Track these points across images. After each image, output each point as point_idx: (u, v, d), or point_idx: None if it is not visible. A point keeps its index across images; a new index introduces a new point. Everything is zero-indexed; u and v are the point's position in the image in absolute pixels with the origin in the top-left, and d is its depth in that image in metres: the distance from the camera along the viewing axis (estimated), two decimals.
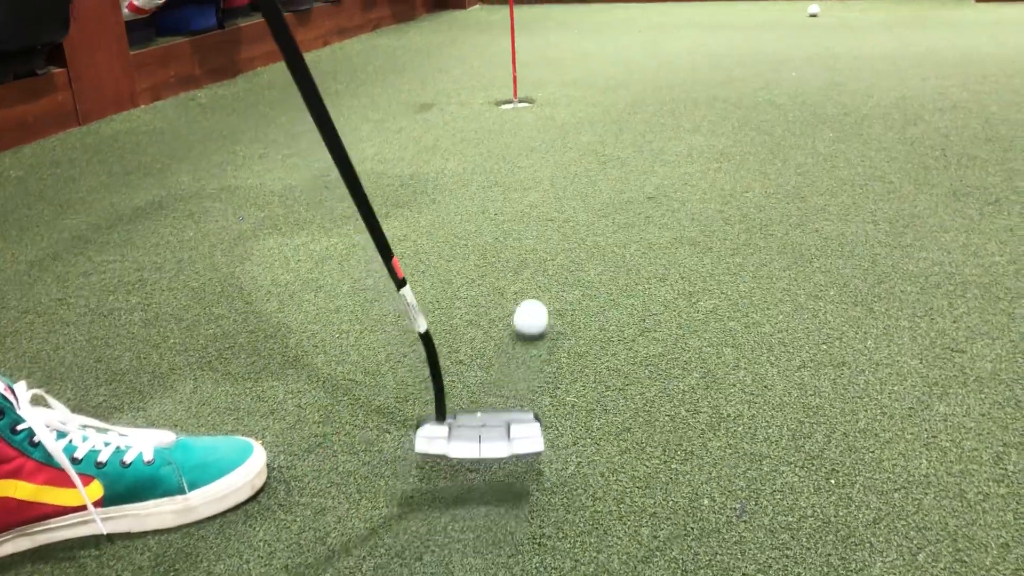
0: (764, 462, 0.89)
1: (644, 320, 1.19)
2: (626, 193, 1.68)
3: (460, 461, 0.91)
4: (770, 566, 0.75)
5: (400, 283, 0.86)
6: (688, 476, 0.87)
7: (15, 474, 0.78)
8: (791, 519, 0.81)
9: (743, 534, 0.79)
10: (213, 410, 1.02)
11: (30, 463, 0.78)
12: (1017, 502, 0.81)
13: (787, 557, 0.76)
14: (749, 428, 0.95)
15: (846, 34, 3.25)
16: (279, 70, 3.12)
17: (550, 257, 1.41)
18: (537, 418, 0.88)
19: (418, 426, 0.88)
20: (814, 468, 0.88)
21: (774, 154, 1.87)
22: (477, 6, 4.60)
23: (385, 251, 0.84)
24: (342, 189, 1.78)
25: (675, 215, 1.56)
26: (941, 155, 1.81)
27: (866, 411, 0.97)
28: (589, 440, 0.94)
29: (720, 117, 2.18)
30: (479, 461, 0.90)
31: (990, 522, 0.79)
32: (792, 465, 0.88)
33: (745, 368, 1.06)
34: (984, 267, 1.30)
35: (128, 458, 0.82)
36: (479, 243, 1.48)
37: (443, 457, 0.90)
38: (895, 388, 1.01)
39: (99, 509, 0.81)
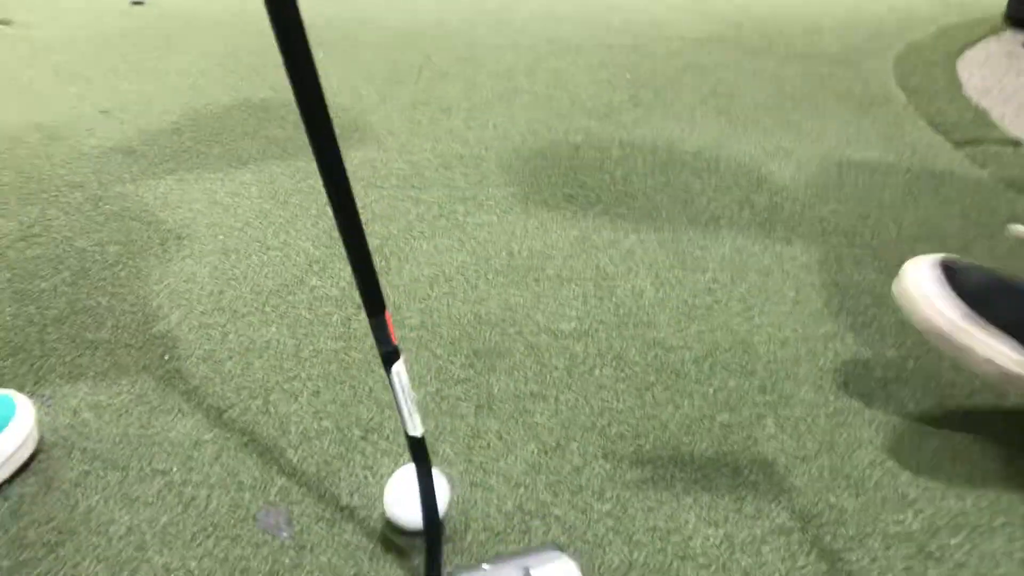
0: (99, 348, 0.82)
1: (29, 228, 1.07)
2: (77, 109, 1.53)
3: None
4: None
5: (391, 354, 0.55)
6: None
7: None
8: None
9: None
10: None
11: None
12: None
13: None
14: None
15: None
16: None
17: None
18: (561, 549, 0.62)
19: None
20: None
21: (255, 71, 1.82)
22: None
23: (375, 301, 0.53)
24: None
25: (122, 127, 1.44)
26: (416, 72, 1.87)
27: (235, 290, 0.94)
28: None
29: (215, 41, 2.08)
30: None
31: None
32: (129, 347, 0.83)
33: (125, 263, 0.99)
34: (412, 162, 1.35)
35: None
36: None
37: None
38: (275, 269, 0.99)
39: None
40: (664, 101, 1.71)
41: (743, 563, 0.62)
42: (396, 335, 0.58)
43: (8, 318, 0.87)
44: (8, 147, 1.33)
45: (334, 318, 0.89)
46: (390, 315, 0.59)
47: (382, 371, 0.80)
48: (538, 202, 1.22)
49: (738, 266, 1.03)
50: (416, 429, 0.58)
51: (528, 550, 0.62)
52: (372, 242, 1.07)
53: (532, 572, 0.58)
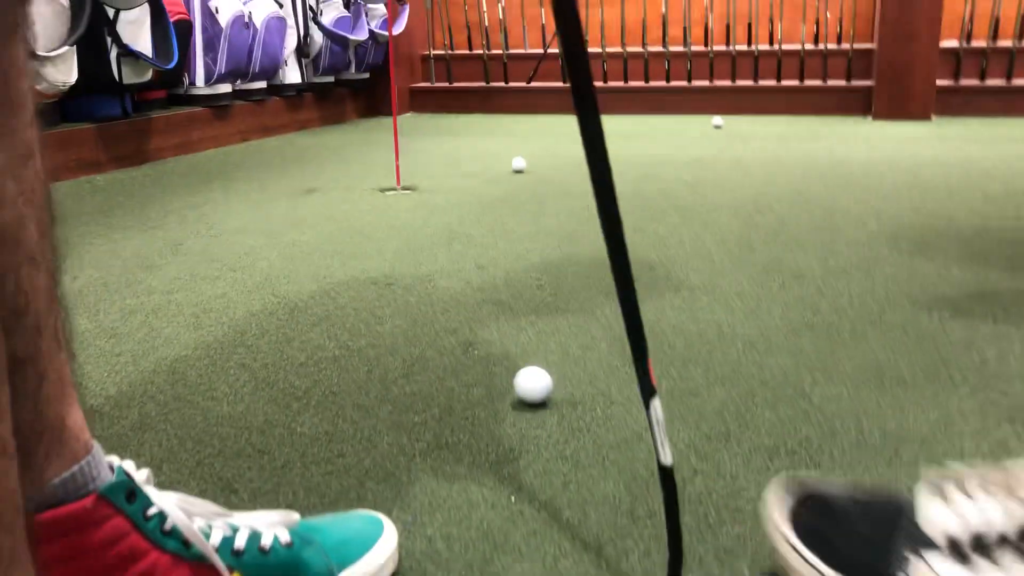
0: (457, 483, 0.90)
1: (410, 367, 1.22)
2: (459, 263, 1.73)
3: None
4: None
5: (650, 391, 0.71)
6: None
7: (150, 572, 0.62)
8: None
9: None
10: None
11: (165, 557, 0.63)
12: None
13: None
14: None
15: (738, 143, 3.40)
16: (187, 161, 3.20)
17: (354, 312, 1.44)
18: None
19: None
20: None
21: None
22: (408, 114, 4.77)
23: (640, 347, 0.71)
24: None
25: (494, 281, 1.61)
26: (772, 238, 1.88)
27: (578, 441, 0.99)
28: None
29: (582, 206, 2.26)
30: None
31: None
32: (482, 485, 0.90)
33: (486, 405, 1.09)
34: (759, 327, 1.34)
35: (265, 542, 0.69)
36: (294, 300, 1.51)
37: None
38: (616, 423, 1.03)
39: None
40: None
41: None
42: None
43: (385, 446, 0.99)
44: (402, 294, 1.53)
45: None
46: (651, 361, 0.72)
47: (718, 558, 0.79)
48: (894, 378, 1.14)
49: None
50: (666, 458, 0.71)
51: None
52: (712, 404, 1.07)
53: None
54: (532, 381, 1.07)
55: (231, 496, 0.89)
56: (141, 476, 0.65)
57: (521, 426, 1.03)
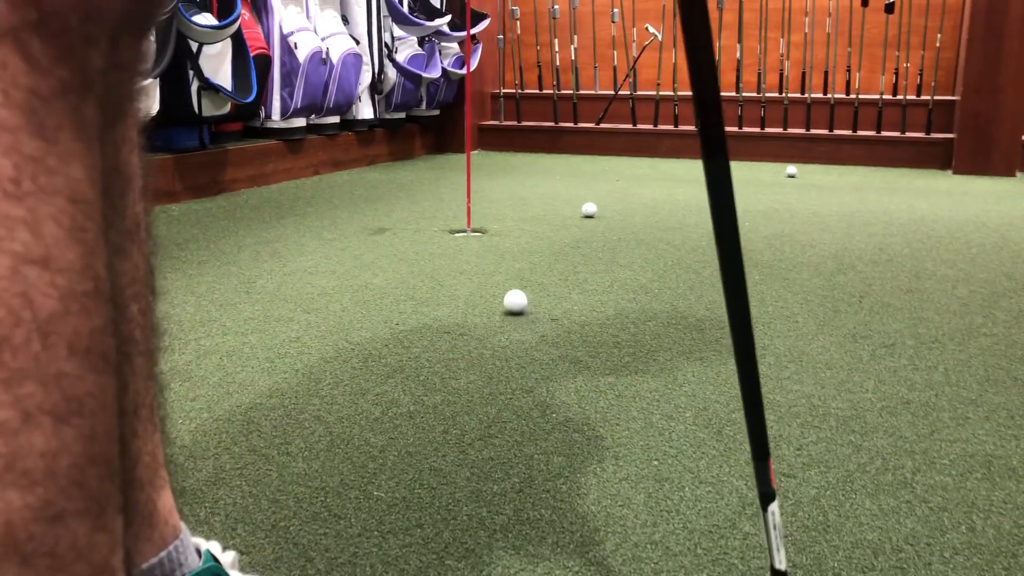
0: (540, 564, 0.86)
1: (487, 428, 1.18)
2: (532, 314, 1.70)
3: None
4: None
5: (770, 496, 0.69)
6: None
7: None
8: None
9: None
10: None
11: None
12: None
13: None
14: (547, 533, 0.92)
15: (813, 193, 3.32)
16: (259, 194, 3.24)
17: (428, 364, 1.41)
18: None
19: None
20: (589, 574, 0.84)
21: (692, 290, 1.88)
22: (476, 151, 4.78)
23: (762, 447, 0.68)
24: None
25: (569, 336, 1.57)
26: (857, 301, 1.81)
27: (668, 524, 0.93)
28: None
29: (656, 256, 2.21)
30: None
31: None
32: (567, 570, 0.85)
33: (567, 477, 1.04)
34: (852, 402, 1.28)
35: None
36: (367, 348, 1.49)
37: None
38: (707, 506, 0.97)
39: None
40: None
41: None
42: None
43: (464, 517, 0.95)
44: (476, 346, 1.50)
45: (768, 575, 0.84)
46: (772, 462, 0.70)
47: None
48: (1004, 469, 1.07)
49: None
50: (781, 563, 0.69)
51: None
52: (808, 492, 1.01)
53: None
54: (515, 299, 1.68)
55: (307, 565, 0.86)
56: (227, 559, 0.62)
57: (605, 503, 0.98)
